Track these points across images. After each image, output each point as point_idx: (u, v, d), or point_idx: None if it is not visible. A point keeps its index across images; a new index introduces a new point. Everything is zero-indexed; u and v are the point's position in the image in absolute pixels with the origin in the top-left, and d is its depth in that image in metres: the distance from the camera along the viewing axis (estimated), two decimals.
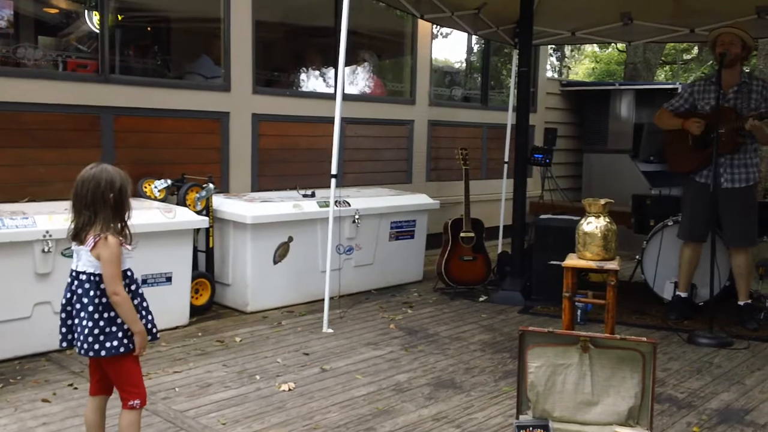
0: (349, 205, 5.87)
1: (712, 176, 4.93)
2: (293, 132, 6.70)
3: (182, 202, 5.18)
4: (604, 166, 9.53)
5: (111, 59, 5.50)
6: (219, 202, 5.44)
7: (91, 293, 2.64)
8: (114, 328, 2.66)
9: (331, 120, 5.01)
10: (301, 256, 5.55)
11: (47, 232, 4.14)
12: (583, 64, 23.53)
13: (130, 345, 2.68)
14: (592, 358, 2.98)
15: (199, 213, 5.13)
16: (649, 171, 9.00)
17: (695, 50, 18.63)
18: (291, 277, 5.51)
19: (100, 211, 2.62)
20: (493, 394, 3.87)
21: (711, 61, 15.95)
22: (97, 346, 2.64)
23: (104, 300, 2.64)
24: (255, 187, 6.41)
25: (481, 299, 6.03)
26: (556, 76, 17.99)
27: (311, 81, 7.57)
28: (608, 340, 3.00)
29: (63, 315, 2.74)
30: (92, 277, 2.64)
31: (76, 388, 3.75)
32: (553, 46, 15.78)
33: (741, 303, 5.34)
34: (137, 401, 2.76)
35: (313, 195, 5.88)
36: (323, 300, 5.04)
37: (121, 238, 2.67)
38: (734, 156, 5.13)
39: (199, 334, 4.78)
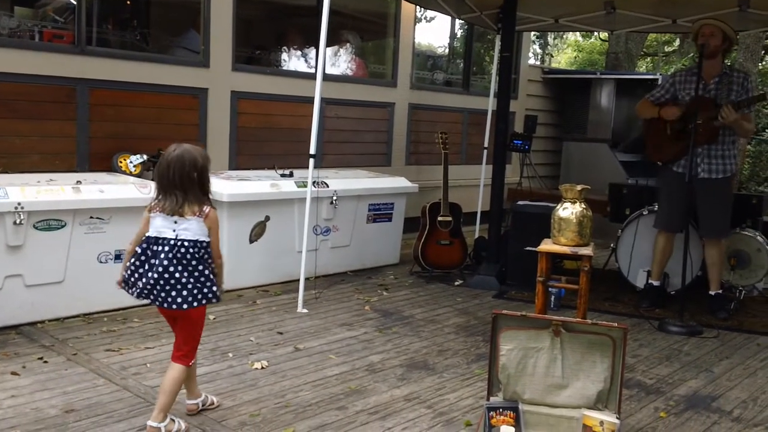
0: (328, 186, 5.85)
1: (689, 166, 4.97)
2: (273, 111, 6.65)
3: None
4: (582, 154, 9.58)
5: (88, 31, 5.41)
6: None
7: (204, 257, 3.00)
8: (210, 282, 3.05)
9: (311, 100, 4.98)
10: (278, 235, 5.53)
11: (19, 204, 4.08)
12: (566, 53, 23.58)
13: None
14: (563, 342, 3.00)
15: None
16: (626, 161, 9.06)
17: (677, 42, 18.73)
18: (267, 257, 5.49)
19: (189, 189, 2.94)
20: (465, 376, 3.90)
21: (692, 53, 16.05)
22: (202, 295, 2.99)
23: (206, 258, 3.01)
24: (233, 165, 6.36)
25: (456, 283, 6.06)
26: (538, 63, 18.01)
27: (292, 60, 7.51)
28: (580, 325, 3.02)
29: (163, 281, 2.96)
30: (202, 244, 3.00)
31: (46, 362, 3.72)
32: (536, 33, 15.78)
33: (712, 293, 5.41)
34: (193, 360, 3.13)
35: (291, 175, 5.85)
36: (299, 280, 5.03)
37: None
38: (711, 146, 5.16)
39: None
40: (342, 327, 4.65)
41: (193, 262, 2.96)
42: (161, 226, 2.95)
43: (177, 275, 2.93)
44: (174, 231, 2.95)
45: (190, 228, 2.96)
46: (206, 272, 3.00)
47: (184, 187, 2.93)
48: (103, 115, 5.47)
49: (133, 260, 2.97)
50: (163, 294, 2.94)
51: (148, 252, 2.96)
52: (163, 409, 2.95)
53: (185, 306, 2.95)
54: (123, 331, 4.29)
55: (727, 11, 6.03)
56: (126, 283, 3.01)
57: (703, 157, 5.17)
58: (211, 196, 3.06)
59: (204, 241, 2.99)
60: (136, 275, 2.96)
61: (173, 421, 3.01)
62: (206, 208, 2.98)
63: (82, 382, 3.50)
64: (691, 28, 5.32)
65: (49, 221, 4.25)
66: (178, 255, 2.94)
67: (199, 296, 2.97)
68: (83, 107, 5.36)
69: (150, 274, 2.93)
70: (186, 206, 2.94)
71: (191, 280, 2.96)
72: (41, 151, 5.20)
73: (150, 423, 2.94)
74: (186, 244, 2.95)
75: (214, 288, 3.03)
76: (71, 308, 4.45)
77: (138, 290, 2.97)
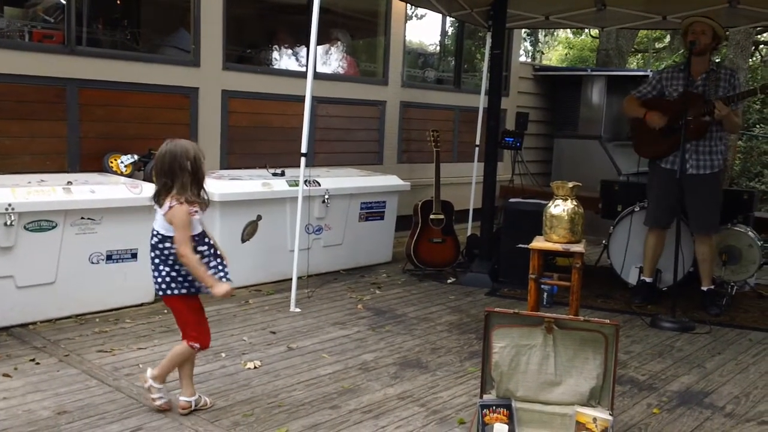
0: (319, 184, 5.84)
1: (678, 162, 4.98)
2: (264, 110, 6.63)
3: (149, 178, 5.10)
4: (574, 151, 9.59)
5: (78, 31, 5.39)
6: None
7: (163, 250, 3.07)
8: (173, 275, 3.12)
9: (302, 99, 4.97)
10: (270, 235, 5.52)
11: (10, 205, 4.06)
12: (557, 50, 23.61)
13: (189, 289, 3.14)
14: (555, 339, 3.00)
15: None
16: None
17: (667, 39, 18.80)
18: (259, 256, 5.48)
19: (177, 178, 3.00)
20: (458, 374, 3.90)
21: (682, 50, 16.09)
22: (165, 285, 3.12)
23: (166, 253, 3.07)
24: (224, 164, 6.35)
25: (449, 281, 6.06)
26: (529, 60, 18.03)
27: (283, 59, 7.49)
28: (572, 322, 3.02)
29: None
30: (162, 237, 3.06)
31: (38, 363, 3.71)
32: (527, 30, 15.78)
33: (704, 288, 5.42)
34: (196, 344, 3.18)
35: (282, 174, 5.84)
36: (291, 279, 5.02)
37: (196, 203, 3.04)
38: (700, 142, 5.17)
39: (165, 311, 4.72)
40: (335, 326, 4.65)
41: (156, 251, 3.10)
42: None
43: (157, 261, 3.12)
44: (156, 219, 3.12)
45: (157, 219, 3.10)
46: (161, 266, 3.09)
47: (172, 176, 3.01)
48: (93, 115, 5.45)
49: None
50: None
51: None
52: (159, 368, 3.21)
53: (160, 293, 3.15)
54: (115, 331, 4.27)
55: (717, 7, 6.05)
56: None
57: (691, 153, 5.18)
58: (205, 188, 3.13)
59: (162, 234, 3.07)
60: None
61: (160, 390, 3.19)
62: (172, 203, 3.00)
63: (74, 384, 3.49)
64: (681, 25, 5.33)
65: (40, 222, 4.23)
66: (151, 242, 3.12)
67: (163, 286, 3.12)
68: (73, 107, 5.34)
69: None
70: (166, 195, 3.03)
71: (158, 268, 3.11)
72: (32, 151, 5.18)
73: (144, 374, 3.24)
74: (154, 232, 3.11)
75: (169, 281, 3.10)
76: (63, 309, 4.43)
77: None
